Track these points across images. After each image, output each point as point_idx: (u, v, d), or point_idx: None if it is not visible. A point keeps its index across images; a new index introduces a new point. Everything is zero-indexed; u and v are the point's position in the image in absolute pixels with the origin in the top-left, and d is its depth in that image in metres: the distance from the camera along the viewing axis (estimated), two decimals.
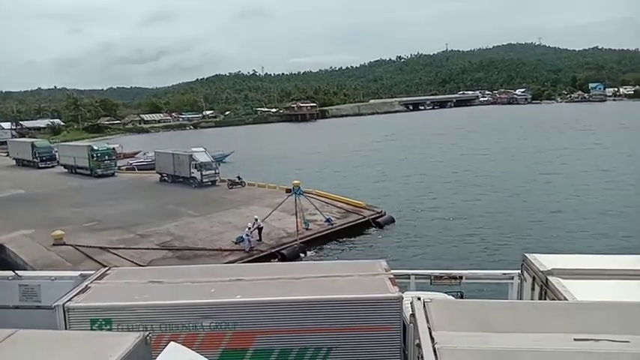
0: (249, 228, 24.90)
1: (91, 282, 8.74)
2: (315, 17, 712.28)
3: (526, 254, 9.05)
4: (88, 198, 38.72)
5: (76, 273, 9.99)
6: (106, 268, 9.66)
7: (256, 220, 25.83)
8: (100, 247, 24.69)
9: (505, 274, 10.36)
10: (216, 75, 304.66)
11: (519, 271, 9.51)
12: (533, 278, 8.47)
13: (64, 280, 9.52)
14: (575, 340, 5.14)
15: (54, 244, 25.32)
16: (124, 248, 24.66)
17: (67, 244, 25.26)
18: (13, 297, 9.56)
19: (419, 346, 5.39)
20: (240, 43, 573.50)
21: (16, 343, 5.73)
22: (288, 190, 32.35)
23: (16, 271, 10.05)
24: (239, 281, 8.65)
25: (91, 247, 24.72)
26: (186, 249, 24.80)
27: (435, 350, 5.09)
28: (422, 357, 5.15)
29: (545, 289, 7.89)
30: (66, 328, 7.75)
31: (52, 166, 60.38)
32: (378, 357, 7.86)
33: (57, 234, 25.84)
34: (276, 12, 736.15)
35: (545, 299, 7.83)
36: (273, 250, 24.71)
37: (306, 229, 27.49)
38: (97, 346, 5.60)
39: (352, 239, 28.02)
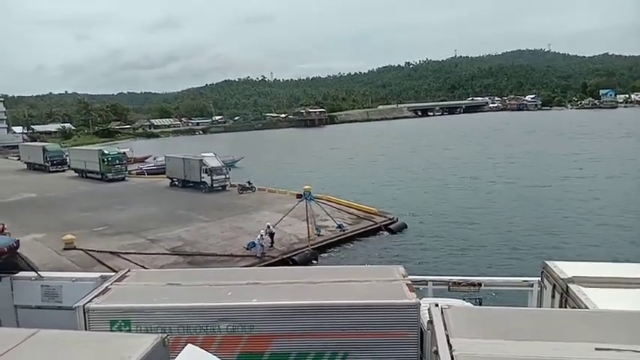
0: (263, 234, 24.93)
1: (111, 283, 8.88)
2: (319, 21, 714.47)
3: (546, 261, 8.99)
4: (98, 202, 38.93)
5: (97, 275, 10.15)
6: (126, 270, 9.76)
7: (268, 226, 25.84)
8: (111, 252, 24.77)
9: (525, 281, 10.26)
10: (226, 80, 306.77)
11: (539, 279, 9.44)
12: (554, 286, 8.40)
13: (84, 282, 9.68)
14: (596, 349, 5.09)
15: (65, 249, 25.46)
16: (134, 253, 24.70)
17: (78, 249, 25.39)
18: (35, 297, 9.77)
19: (436, 353, 5.38)
20: (247, 49, 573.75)
21: (37, 342, 5.86)
22: (298, 196, 32.34)
23: (39, 272, 10.21)
24: (256, 285, 8.71)
25: (101, 251, 24.80)
26: (197, 254, 24.82)
27: (452, 357, 5.08)
28: None
29: (565, 297, 7.83)
30: (86, 329, 7.87)
31: (63, 170, 60.86)
32: None
33: (68, 238, 25.98)
34: (280, 17, 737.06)
35: (565, 307, 7.77)
36: (284, 256, 24.64)
37: (318, 234, 27.46)
38: (116, 347, 5.69)
39: (365, 245, 27.88)
